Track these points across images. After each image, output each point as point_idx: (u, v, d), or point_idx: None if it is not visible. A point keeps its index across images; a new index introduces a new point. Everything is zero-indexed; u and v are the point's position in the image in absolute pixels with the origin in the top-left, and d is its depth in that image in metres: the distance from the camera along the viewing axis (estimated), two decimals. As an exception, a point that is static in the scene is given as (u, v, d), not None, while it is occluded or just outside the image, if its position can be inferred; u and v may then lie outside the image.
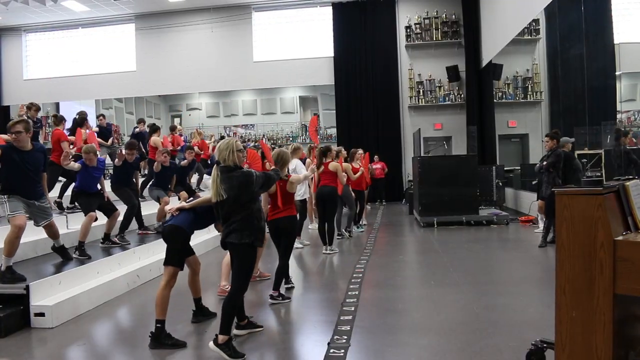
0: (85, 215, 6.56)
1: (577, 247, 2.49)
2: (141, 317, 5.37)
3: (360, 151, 10.67)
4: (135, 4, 17.64)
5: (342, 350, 3.94)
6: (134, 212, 7.77)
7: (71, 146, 8.24)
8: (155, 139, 10.75)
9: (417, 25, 17.71)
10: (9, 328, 4.64)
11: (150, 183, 8.93)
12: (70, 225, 7.42)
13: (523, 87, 15.39)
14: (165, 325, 4.26)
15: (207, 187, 8.66)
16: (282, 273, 5.58)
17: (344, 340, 4.15)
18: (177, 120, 20.02)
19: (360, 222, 11.10)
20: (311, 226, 10.77)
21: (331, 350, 3.95)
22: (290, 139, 19.52)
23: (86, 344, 4.49)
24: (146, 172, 10.81)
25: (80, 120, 9.37)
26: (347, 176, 8.95)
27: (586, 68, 9.50)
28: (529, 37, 13.76)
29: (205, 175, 12.48)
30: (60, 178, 8.54)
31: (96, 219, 6.68)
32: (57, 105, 19.13)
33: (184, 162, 9.57)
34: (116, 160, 7.83)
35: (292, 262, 7.49)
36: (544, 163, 8.06)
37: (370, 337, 4.29)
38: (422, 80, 17.79)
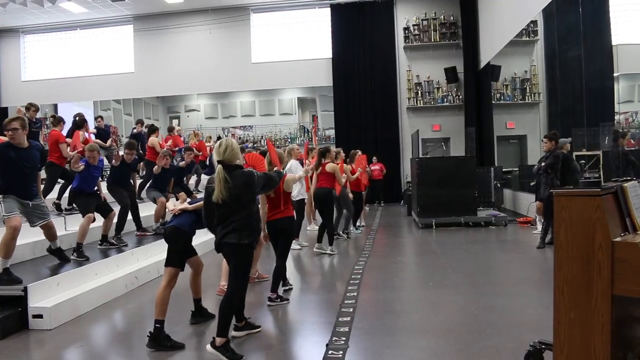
0: (83, 217, 6.56)
1: (575, 249, 2.50)
2: (139, 318, 5.36)
3: (359, 152, 10.70)
4: (133, 5, 17.63)
5: (341, 352, 3.94)
6: (126, 212, 7.73)
7: (68, 148, 8.22)
8: (153, 140, 10.74)
9: (416, 27, 17.74)
10: (7, 330, 4.63)
11: (148, 184, 8.91)
12: (68, 226, 7.41)
13: (521, 88, 15.41)
14: (165, 326, 4.26)
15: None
16: (280, 274, 5.57)
17: (343, 342, 4.15)
18: (175, 122, 19.99)
19: (358, 224, 11.10)
20: (309, 227, 10.78)
21: (329, 352, 3.94)
22: (289, 140, 19.53)
23: (84, 345, 4.48)
24: (144, 173, 10.79)
25: (80, 122, 9.34)
26: (346, 178, 8.97)
27: (584, 69, 9.52)
28: (527, 38, 13.78)
29: (202, 176, 12.45)
30: (59, 180, 8.52)
31: (94, 220, 6.68)
32: (55, 106, 19.10)
33: (182, 163, 9.56)
34: (113, 161, 7.82)
35: (290, 264, 7.51)
36: (543, 164, 8.07)
37: (369, 338, 4.29)
38: (420, 82, 17.80)
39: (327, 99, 19.34)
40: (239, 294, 4.19)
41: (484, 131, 16.50)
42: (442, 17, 17.58)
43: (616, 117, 9.37)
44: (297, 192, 8.19)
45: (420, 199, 11.27)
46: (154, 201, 8.49)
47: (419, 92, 17.81)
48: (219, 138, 13.74)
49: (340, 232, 9.78)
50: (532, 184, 10.34)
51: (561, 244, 2.54)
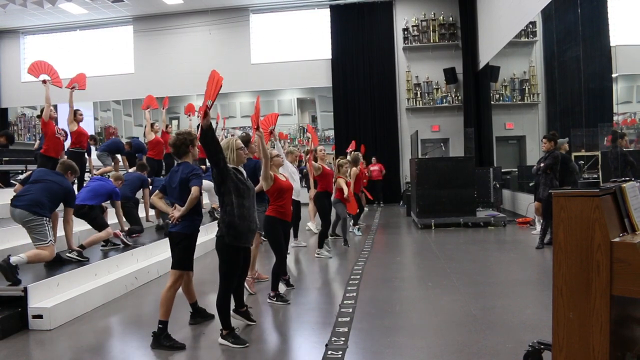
0: (99, 230, 6.66)
1: (574, 249, 2.51)
2: (139, 319, 5.36)
3: (356, 155, 10.71)
4: (133, 6, 17.64)
5: (340, 352, 3.94)
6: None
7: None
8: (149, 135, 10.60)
9: (415, 28, 17.77)
10: (7, 330, 4.63)
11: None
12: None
13: (520, 89, 15.43)
14: (155, 327, 4.28)
15: (205, 189, 8.66)
16: (274, 272, 5.59)
17: (342, 342, 4.15)
18: (174, 122, 20.00)
19: (357, 225, 11.09)
20: (308, 225, 10.82)
21: (329, 352, 3.95)
22: (288, 140, 19.52)
23: (84, 346, 4.48)
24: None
25: None
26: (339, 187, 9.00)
27: (583, 70, 9.53)
28: (526, 39, 13.80)
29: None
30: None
31: None
32: (55, 107, 19.07)
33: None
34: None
35: (290, 264, 7.52)
36: (542, 165, 8.08)
37: (368, 338, 4.29)
38: (419, 82, 17.83)
39: (326, 100, 19.36)
40: (226, 290, 4.25)
41: (483, 132, 16.52)
42: (441, 18, 17.61)
43: (615, 118, 9.39)
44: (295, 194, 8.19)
45: (420, 199, 11.28)
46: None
47: (418, 92, 17.84)
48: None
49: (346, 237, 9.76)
50: (531, 184, 10.36)
51: (560, 244, 2.55)
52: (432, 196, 11.11)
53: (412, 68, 17.83)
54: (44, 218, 5.33)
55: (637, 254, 2.36)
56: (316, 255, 8.11)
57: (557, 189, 2.74)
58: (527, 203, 11.33)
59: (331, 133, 19.01)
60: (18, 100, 19.75)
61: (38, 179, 5.62)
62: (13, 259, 4.97)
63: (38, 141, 12.23)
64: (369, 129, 17.77)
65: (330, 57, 18.07)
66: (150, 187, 8.48)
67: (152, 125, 10.56)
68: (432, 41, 17.69)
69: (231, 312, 4.39)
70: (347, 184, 9.02)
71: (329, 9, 18.04)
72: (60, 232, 6.07)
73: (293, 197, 6.65)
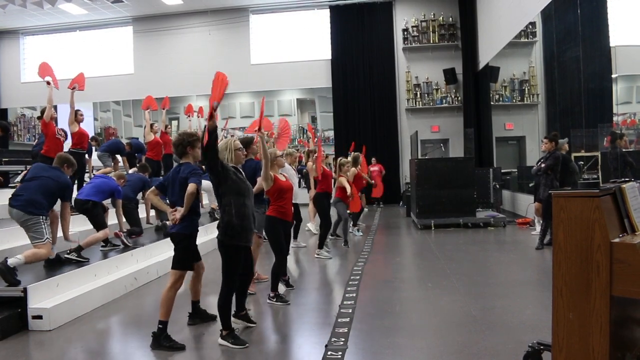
0: (98, 230, 6.65)
1: (574, 249, 2.50)
2: (139, 319, 5.36)
3: (358, 156, 10.73)
4: (132, 7, 17.65)
5: (340, 353, 3.94)
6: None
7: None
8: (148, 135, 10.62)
9: (414, 28, 17.77)
10: (7, 331, 4.63)
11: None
12: (71, 228, 7.40)
13: (520, 89, 15.43)
14: (155, 327, 4.27)
15: (204, 189, 8.66)
16: (273, 272, 5.60)
17: (342, 343, 4.15)
18: (174, 123, 20.00)
19: (357, 226, 11.10)
20: (310, 225, 10.83)
21: (329, 353, 3.95)
22: (288, 141, 19.52)
23: (84, 346, 4.48)
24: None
25: None
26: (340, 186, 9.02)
27: (582, 71, 9.54)
28: (526, 39, 13.80)
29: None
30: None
31: None
32: (54, 108, 19.07)
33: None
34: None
35: (290, 264, 7.51)
36: (543, 165, 8.08)
37: (368, 339, 4.29)
38: (419, 83, 17.83)
39: (326, 100, 19.36)
40: (228, 290, 4.25)
41: (483, 132, 16.52)
42: (441, 18, 17.61)
43: (614, 118, 9.39)
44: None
45: (419, 199, 11.28)
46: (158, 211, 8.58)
47: (418, 93, 17.83)
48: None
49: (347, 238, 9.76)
50: (530, 185, 10.36)
51: (560, 244, 2.55)
52: (431, 197, 11.11)
53: (412, 68, 17.83)
54: (40, 217, 5.32)
55: (637, 254, 2.36)
56: (316, 255, 8.11)
57: (557, 190, 2.74)
58: (526, 203, 11.33)
59: (331, 133, 19.01)
60: (18, 100, 19.75)
61: (34, 176, 5.59)
62: (10, 261, 4.97)
63: (36, 141, 12.25)
64: (368, 130, 17.77)
65: (330, 57, 18.07)
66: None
67: (151, 125, 10.57)
68: (431, 42, 17.69)
69: (231, 315, 4.39)
70: (349, 183, 9.06)
71: (328, 10, 18.04)
72: (59, 233, 6.06)
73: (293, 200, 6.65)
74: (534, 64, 14.70)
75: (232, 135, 19.23)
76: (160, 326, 4.25)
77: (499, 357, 3.78)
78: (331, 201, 8.75)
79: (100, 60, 19.07)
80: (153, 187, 4.65)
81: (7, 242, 6.36)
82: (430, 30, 17.70)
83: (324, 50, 18.15)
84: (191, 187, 4.33)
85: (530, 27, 13.10)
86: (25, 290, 4.86)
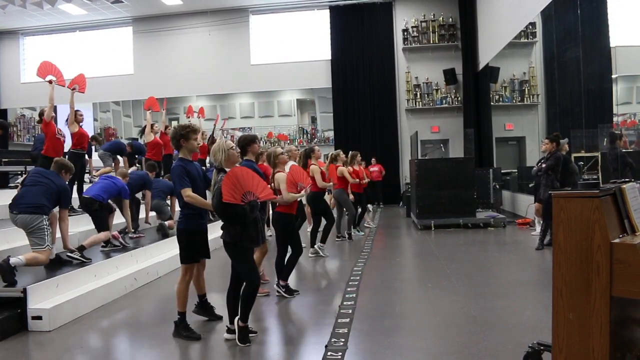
0: (99, 231, 6.64)
1: (574, 250, 2.50)
2: (139, 320, 5.36)
3: (354, 154, 10.73)
4: (132, 7, 17.65)
5: (340, 353, 3.94)
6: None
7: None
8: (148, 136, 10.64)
9: (414, 28, 17.78)
10: (6, 331, 4.62)
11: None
12: (71, 228, 7.40)
13: (520, 90, 15.43)
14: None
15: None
16: (277, 264, 5.80)
17: (342, 343, 4.15)
18: (174, 123, 19.99)
19: (367, 225, 11.14)
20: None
21: (329, 353, 3.95)
22: (288, 141, 19.56)
23: (84, 347, 4.48)
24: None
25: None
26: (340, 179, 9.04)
27: (583, 71, 9.54)
28: (526, 40, 13.81)
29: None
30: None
31: None
32: (54, 108, 19.08)
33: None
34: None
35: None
36: (543, 165, 8.07)
37: (368, 339, 4.29)
38: (419, 83, 17.84)
39: (326, 101, 19.37)
40: (252, 285, 4.25)
41: (483, 132, 16.53)
42: (441, 18, 17.62)
43: (615, 119, 9.39)
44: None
45: (419, 200, 11.28)
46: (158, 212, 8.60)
47: (418, 93, 17.84)
48: (213, 140, 13.45)
49: (345, 233, 9.78)
50: (530, 185, 10.36)
51: (560, 245, 2.55)
52: (431, 197, 11.10)
53: (412, 69, 17.84)
54: (44, 217, 5.34)
55: (637, 255, 2.35)
56: (317, 247, 8.19)
57: (557, 190, 2.74)
58: (526, 204, 11.33)
59: (331, 134, 19.01)
60: (17, 101, 19.75)
61: (34, 182, 5.61)
62: (12, 260, 4.98)
63: (33, 143, 12.23)
64: (368, 130, 17.78)
65: (329, 58, 18.08)
66: None
67: (151, 126, 10.58)
68: (431, 42, 17.70)
69: (225, 334, 4.38)
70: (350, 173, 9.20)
71: (328, 10, 18.05)
72: (57, 232, 6.06)
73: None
74: (534, 65, 14.70)
75: (232, 136, 19.28)
76: (179, 316, 4.47)
77: (498, 358, 3.77)
78: (333, 194, 8.79)
79: (100, 61, 19.08)
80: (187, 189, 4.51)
81: (7, 242, 6.36)
82: (430, 30, 17.71)
83: (323, 51, 18.16)
84: (182, 193, 4.43)
85: (530, 27, 13.10)
86: (24, 291, 4.85)
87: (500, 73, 15.54)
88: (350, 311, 5.05)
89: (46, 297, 5.06)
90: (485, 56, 15.88)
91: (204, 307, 4.97)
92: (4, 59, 19.72)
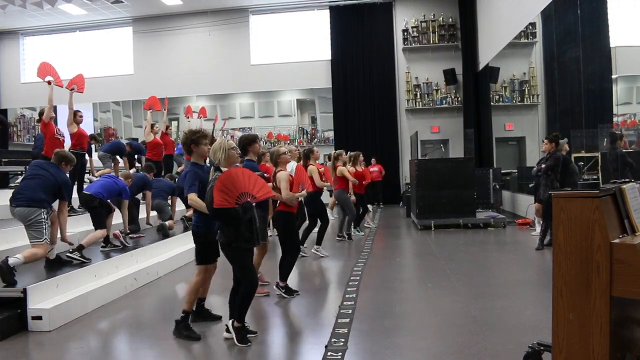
0: (96, 228, 6.62)
1: (574, 250, 2.50)
2: (138, 320, 5.36)
3: (357, 154, 10.74)
4: (132, 7, 17.65)
5: (340, 353, 3.94)
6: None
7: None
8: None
9: (414, 29, 17.77)
10: (6, 331, 4.62)
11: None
12: (71, 228, 7.41)
13: (520, 90, 15.44)
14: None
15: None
16: (280, 265, 5.77)
17: (342, 343, 4.15)
18: (174, 124, 20.01)
19: (367, 226, 11.17)
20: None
21: (328, 354, 3.95)
22: (288, 141, 19.56)
23: (84, 347, 4.48)
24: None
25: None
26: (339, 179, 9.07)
27: (583, 71, 9.54)
28: (526, 40, 13.82)
29: None
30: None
31: None
32: (54, 108, 19.09)
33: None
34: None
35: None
36: (543, 166, 8.07)
37: (368, 339, 4.29)
38: (419, 83, 17.84)
39: (326, 101, 19.37)
40: (250, 286, 4.24)
41: (483, 133, 16.53)
42: (441, 19, 17.62)
43: (615, 119, 9.40)
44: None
45: (419, 200, 11.28)
46: (159, 212, 8.59)
47: (418, 93, 17.84)
48: (213, 140, 13.42)
49: (344, 233, 9.79)
50: (530, 185, 10.36)
51: (560, 245, 2.55)
52: (431, 197, 11.10)
53: (412, 69, 17.83)
54: (43, 210, 5.32)
55: (637, 255, 2.35)
56: (313, 251, 8.20)
57: (557, 190, 2.74)
58: (526, 204, 11.33)
59: (331, 134, 19.01)
60: (17, 101, 19.75)
61: (33, 175, 5.60)
62: (11, 261, 4.97)
63: (33, 143, 12.27)
64: (368, 130, 17.78)
65: (330, 58, 18.08)
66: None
67: (152, 126, 10.58)
68: (431, 42, 17.69)
69: (226, 334, 4.36)
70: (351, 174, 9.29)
71: (328, 10, 18.04)
72: (57, 233, 6.05)
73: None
74: (534, 65, 14.72)
75: (232, 136, 19.27)
76: (182, 315, 4.47)
77: (498, 358, 3.77)
78: (333, 194, 8.82)
79: (100, 61, 19.08)
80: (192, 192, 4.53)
81: (7, 242, 6.35)
82: (430, 30, 17.71)
83: (323, 51, 18.16)
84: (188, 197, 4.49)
85: (530, 27, 13.11)
86: (24, 291, 4.85)
87: (500, 73, 15.55)
88: (350, 311, 5.05)
89: (46, 297, 5.05)
90: (485, 56, 15.88)
91: (200, 313, 4.93)
92: (4, 59, 19.72)
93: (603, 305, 2.42)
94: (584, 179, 8.87)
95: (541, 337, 3.26)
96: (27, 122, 20.45)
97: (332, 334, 4.38)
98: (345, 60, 18.00)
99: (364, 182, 10.36)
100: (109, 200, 6.95)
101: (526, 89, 15.13)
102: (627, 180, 2.93)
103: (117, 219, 7.42)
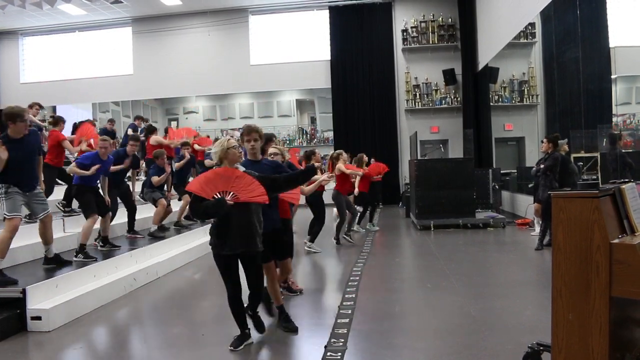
0: (85, 217, 6.56)
1: (574, 250, 2.50)
2: (138, 320, 5.36)
3: (360, 156, 10.79)
4: (132, 7, 17.64)
5: (339, 354, 3.94)
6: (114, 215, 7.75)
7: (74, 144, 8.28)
8: (156, 138, 10.65)
9: (414, 29, 17.77)
10: (6, 332, 4.62)
11: (147, 185, 8.80)
12: (67, 228, 7.41)
13: (519, 90, 15.45)
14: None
15: None
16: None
17: (341, 344, 4.15)
18: (174, 124, 20.00)
19: (372, 222, 11.26)
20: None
21: (328, 354, 3.95)
22: (287, 142, 19.55)
23: (83, 347, 4.48)
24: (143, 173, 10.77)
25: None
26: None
27: (582, 71, 9.55)
28: (525, 40, 13.82)
29: None
30: (58, 181, 8.49)
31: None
32: (54, 108, 19.11)
33: (177, 165, 9.54)
34: (126, 161, 7.80)
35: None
36: (542, 166, 8.08)
37: (367, 340, 4.29)
38: (418, 84, 17.83)
39: (325, 101, 19.37)
40: (228, 295, 4.19)
41: (482, 133, 16.53)
42: (441, 19, 17.62)
43: (614, 119, 9.41)
44: None
45: (419, 200, 11.28)
46: (154, 203, 8.50)
47: (417, 94, 17.84)
48: (215, 139, 13.38)
49: (342, 236, 9.77)
50: (530, 185, 10.36)
51: (559, 245, 2.55)
52: (431, 197, 11.11)
53: (411, 69, 17.83)
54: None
55: (637, 255, 2.35)
56: (306, 248, 8.35)
57: (557, 190, 2.74)
58: (526, 204, 11.33)
59: (330, 134, 19.01)
60: (17, 101, 19.53)
61: None
62: None
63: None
64: (368, 130, 17.77)
65: (329, 58, 18.07)
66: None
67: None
68: (431, 42, 17.69)
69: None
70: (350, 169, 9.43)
71: (328, 10, 18.04)
72: (58, 233, 6.04)
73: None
74: (534, 65, 14.72)
75: (232, 136, 19.25)
76: (279, 310, 4.66)
77: (498, 358, 3.77)
78: (332, 195, 8.90)
79: (99, 61, 19.07)
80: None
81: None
82: (430, 31, 17.70)
83: (323, 51, 18.16)
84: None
85: (530, 27, 13.12)
86: (24, 291, 4.85)
87: (500, 73, 15.55)
88: (349, 311, 5.05)
89: (46, 298, 5.05)
90: (485, 56, 15.89)
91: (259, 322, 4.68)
92: (4, 59, 19.69)
93: (602, 306, 2.42)
94: (583, 179, 8.88)
95: (541, 337, 3.26)
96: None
97: (332, 334, 4.38)
98: (345, 61, 17.99)
99: (374, 178, 10.50)
100: (106, 199, 6.94)
101: (525, 89, 15.14)
102: (626, 180, 2.93)
103: (119, 219, 7.42)
